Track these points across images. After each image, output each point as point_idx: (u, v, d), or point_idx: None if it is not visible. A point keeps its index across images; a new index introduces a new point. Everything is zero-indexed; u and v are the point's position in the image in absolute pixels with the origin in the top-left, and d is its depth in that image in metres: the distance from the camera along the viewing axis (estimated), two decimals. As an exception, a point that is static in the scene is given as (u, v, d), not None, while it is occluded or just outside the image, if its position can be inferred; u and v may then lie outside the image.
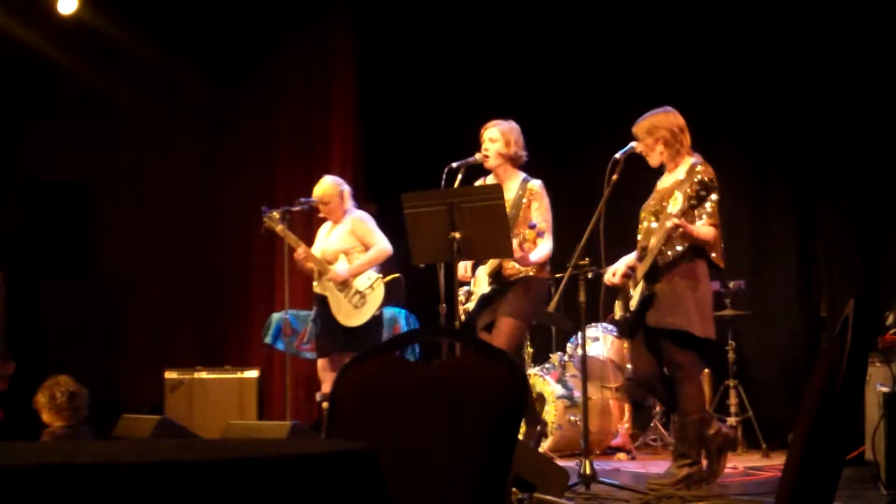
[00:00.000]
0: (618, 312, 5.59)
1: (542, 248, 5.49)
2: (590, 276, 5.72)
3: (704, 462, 5.36)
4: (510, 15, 8.38)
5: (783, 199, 7.87)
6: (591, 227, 5.39)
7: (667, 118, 5.39)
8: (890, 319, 5.84)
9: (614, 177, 5.33)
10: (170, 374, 7.59)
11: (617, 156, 5.37)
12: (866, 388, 5.43)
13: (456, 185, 5.45)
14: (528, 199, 5.56)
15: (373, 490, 1.61)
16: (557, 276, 5.75)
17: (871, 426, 5.39)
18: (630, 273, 5.45)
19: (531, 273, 5.53)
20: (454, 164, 5.54)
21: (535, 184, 5.63)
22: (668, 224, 5.08)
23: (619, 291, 5.53)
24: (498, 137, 5.64)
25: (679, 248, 5.20)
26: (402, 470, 2.02)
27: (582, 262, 5.57)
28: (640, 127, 5.42)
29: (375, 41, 8.66)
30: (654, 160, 5.43)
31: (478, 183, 5.69)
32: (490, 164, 5.65)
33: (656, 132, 5.36)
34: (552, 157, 8.05)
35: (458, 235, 5.05)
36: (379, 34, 8.64)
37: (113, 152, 8.60)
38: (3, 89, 8.13)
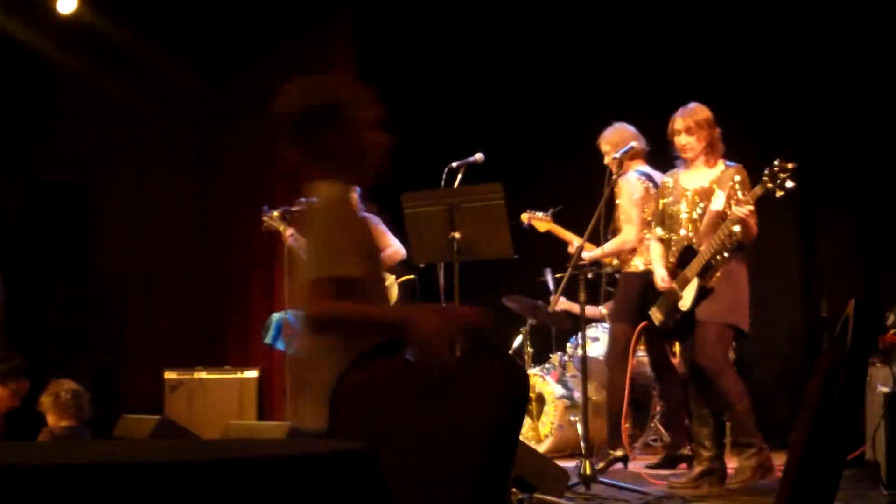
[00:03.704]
0: (658, 317, 5.54)
1: (614, 240, 5.81)
2: (590, 276, 5.73)
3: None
4: (510, 14, 8.37)
5: (784, 199, 7.85)
6: (590, 227, 5.39)
7: (707, 112, 5.37)
8: (891, 319, 5.84)
9: (615, 176, 5.33)
10: (170, 374, 7.58)
11: (617, 155, 5.37)
12: (867, 388, 5.43)
13: (456, 184, 5.46)
14: (617, 192, 5.81)
15: (373, 490, 1.61)
16: (557, 276, 5.77)
17: (872, 426, 5.39)
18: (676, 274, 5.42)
19: (624, 269, 5.83)
20: (454, 164, 5.55)
21: (624, 178, 5.81)
22: (743, 211, 5.09)
23: (660, 297, 5.47)
24: (606, 150, 5.90)
25: (729, 244, 5.22)
26: (402, 470, 2.02)
27: (582, 262, 5.58)
28: (691, 117, 5.34)
29: (375, 41, 8.65)
30: (694, 154, 5.36)
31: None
32: (614, 171, 5.82)
33: (706, 127, 5.33)
34: (552, 156, 8.05)
35: (458, 235, 5.06)
36: (379, 34, 8.63)
37: (113, 152, 8.59)
38: (3, 89, 8.12)
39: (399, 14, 8.58)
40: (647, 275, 5.60)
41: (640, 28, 8.11)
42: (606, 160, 5.88)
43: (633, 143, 5.53)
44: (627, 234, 5.74)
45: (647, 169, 5.93)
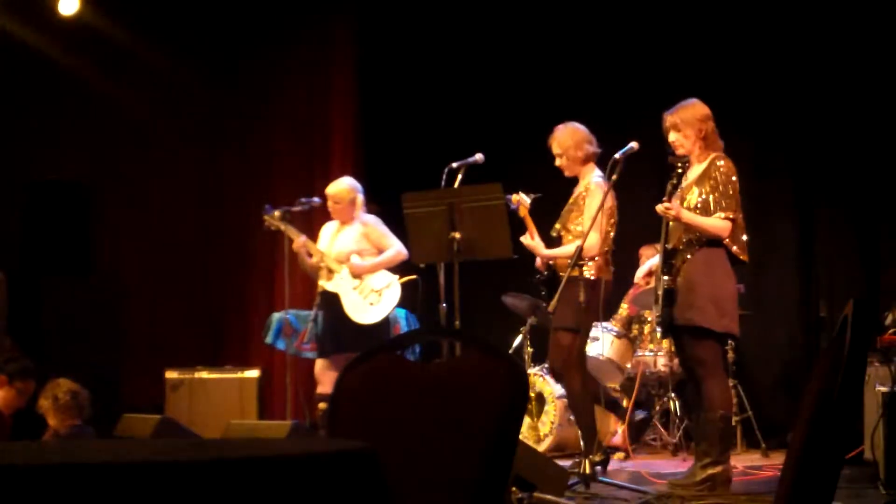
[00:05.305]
0: (657, 317, 5.52)
1: (571, 245, 5.47)
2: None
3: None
4: (511, 15, 8.38)
5: (784, 200, 7.87)
6: (590, 227, 5.39)
7: (697, 108, 5.29)
8: (889, 319, 5.84)
9: (614, 177, 5.32)
10: (170, 374, 7.59)
11: (617, 156, 5.35)
12: (866, 388, 5.44)
13: (456, 185, 5.46)
14: (584, 195, 5.57)
15: (373, 490, 1.61)
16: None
17: (871, 426, 5.40)
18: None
19: (581, 273, 5.41)
20: (454, 164, 5.54)
21: (592, 181, 5.58)
22: (659, 209, 5.02)
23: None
24: (559, 151, 5.69)
25: (685, 239, 5.15)
26: (402, 470, 2.02)
27: (582, 262, 5.57)
28: (677, 115, 5.27)
29: (376, 41, 8.65)
30: (685, 151, 5.29)
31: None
32: (566, 174, 5.71)
33: (695, 123, 5.23)
34: (551, 157, 8.03)
35: (457, 235, 5.06)
36: (380, 34, 8.64)
37: (113, 152, 8.59)
38: (3, 89, 8.13)
39: (400, 14, 8.58)
40: (595, 283, 5.50)
41: (638, 29, 8.12)
42: (558, 162, 5.69)
43: (633, 144, 5.48)
44: (589, 240, 5.40)
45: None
